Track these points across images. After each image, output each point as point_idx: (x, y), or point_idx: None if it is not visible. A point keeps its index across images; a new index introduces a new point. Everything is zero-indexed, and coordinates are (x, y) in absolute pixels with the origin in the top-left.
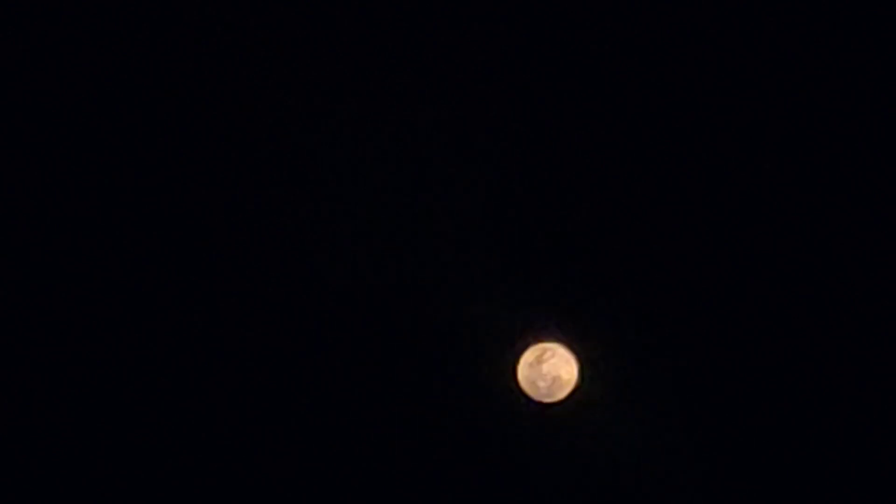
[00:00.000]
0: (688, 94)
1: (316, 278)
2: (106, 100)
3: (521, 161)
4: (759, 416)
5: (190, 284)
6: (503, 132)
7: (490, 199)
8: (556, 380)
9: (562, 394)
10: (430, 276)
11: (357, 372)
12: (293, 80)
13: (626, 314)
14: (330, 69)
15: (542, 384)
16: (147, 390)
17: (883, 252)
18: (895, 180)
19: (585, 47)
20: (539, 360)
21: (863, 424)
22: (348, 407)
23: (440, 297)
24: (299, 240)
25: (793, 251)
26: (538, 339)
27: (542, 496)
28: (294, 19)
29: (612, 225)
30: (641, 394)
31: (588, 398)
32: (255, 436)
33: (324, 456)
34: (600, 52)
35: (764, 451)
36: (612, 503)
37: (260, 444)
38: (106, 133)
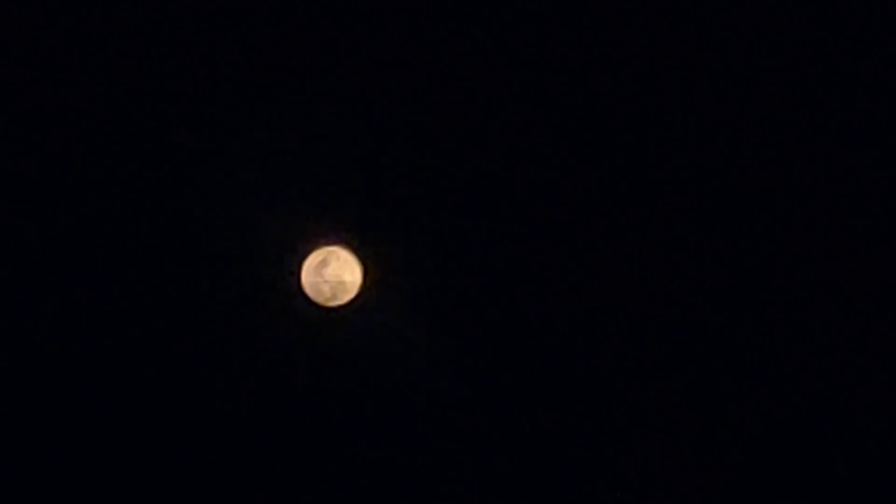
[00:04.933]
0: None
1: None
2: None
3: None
4: (536, 311)
5: None
6: None
7: (280, 104)
8: (339, 284)
9: (345, 298)
10: (215, 179)
11: (138, 278)
12: None
13: (411, 218)
14: None
15: (325, 288)
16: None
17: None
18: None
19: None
20: (323, 264)
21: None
22: (129, 315)
23: (224, 200)
24: None
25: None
26: (322, 244)
27: (325, 400)
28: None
29: (396, 131)
30: (425, 298)
31: (372, 302)
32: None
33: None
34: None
35: (533, 345)
36: (393, 406)
37: None
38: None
